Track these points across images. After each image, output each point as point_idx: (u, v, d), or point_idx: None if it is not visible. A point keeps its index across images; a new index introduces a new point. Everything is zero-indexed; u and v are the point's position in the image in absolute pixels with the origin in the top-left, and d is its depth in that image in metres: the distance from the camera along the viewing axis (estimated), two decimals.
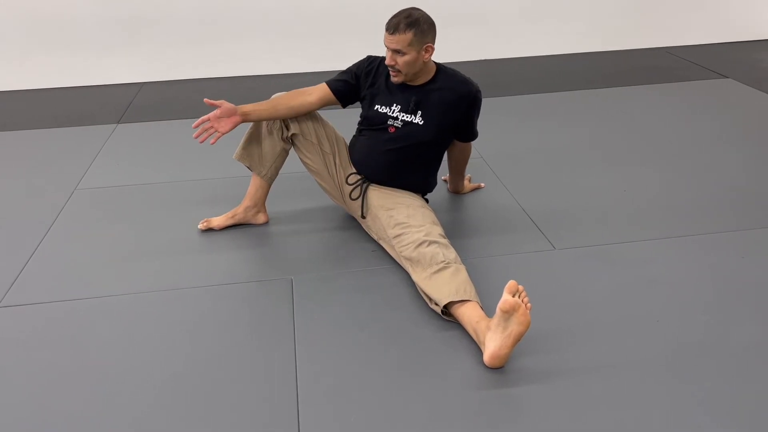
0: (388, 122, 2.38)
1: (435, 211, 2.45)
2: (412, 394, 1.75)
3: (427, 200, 2.53)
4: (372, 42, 4.23)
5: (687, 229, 2.53)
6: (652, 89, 4.26)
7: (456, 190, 2.87)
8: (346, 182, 2.49)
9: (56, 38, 4.67)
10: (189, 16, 4.73)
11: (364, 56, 2.48)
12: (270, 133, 2.48)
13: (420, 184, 2.51)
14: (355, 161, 2.50)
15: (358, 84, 2.45)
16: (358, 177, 2.48)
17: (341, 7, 4.84)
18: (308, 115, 2.47)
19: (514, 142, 3.42)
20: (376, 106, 2.41)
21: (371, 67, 2.44)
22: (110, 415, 1.71)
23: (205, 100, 2.35)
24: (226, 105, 2.33)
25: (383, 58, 2.40)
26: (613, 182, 2.95)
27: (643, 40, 5.30)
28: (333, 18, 4.85)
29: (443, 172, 2.80)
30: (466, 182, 2.89)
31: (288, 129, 2.47)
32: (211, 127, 2.33)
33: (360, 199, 2.45)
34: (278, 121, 2.46)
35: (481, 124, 2.53)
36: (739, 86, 4.27)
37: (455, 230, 2.54)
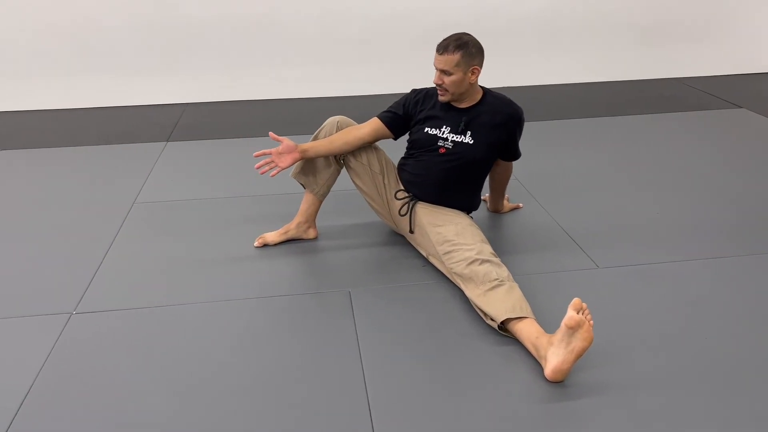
0: (438, 143, 2.37)
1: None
2: (477, 405, 1.72)
3: (471, 217, 2.51)
4: (405, 67, 4.26)
5: (721, 251, 2.49)
6: (671, 117, 4.24)
7: (496, 209, 2.85)
8: (395, 197, 2.48)
9: (102, 61, 4.76)
10: (226, 43, 4.81)
11: (410, 90, 2.50)
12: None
13: (466, 202, 2.49)
14: (405, 181, 2.49)
15: (407, 115, 2.46)
16: (407, 194, 2.46)
17: (375, 35, 4.86)
18: None
19: (545, 165, 3.39)
20: (426, 129, 2.40)
21: (418, 97, 2.45)
22: (180, 421, 1.69)
23: (270, 134, 2.40)
24: (287, 142, 2.37)
25: (429, 88, 2.41)
26: (643, 204, 2.92)
27: (659, 71, 5.28)
28: (367, 44, 4.88)
29: (483, 192, 2.78)
30: (505, 202, 2.86)
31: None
32: (272, 161, 2.37)
33: (408, 215, 2.43)
34: None
35: None
36: (753, 116, 4.24)
37: (498, 248, 2.49)
